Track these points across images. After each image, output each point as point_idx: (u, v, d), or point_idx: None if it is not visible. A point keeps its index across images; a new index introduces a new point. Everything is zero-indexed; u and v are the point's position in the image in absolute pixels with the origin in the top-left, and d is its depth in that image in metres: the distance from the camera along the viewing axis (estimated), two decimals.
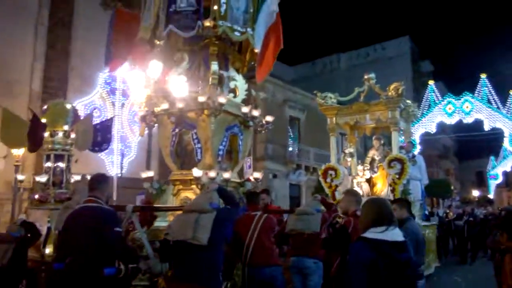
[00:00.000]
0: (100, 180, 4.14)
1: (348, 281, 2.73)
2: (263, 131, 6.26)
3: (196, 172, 5.23)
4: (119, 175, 13.78)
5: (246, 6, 5.75)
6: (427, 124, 21.10)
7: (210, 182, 4.77)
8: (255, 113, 5.76)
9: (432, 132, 21.47)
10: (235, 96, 5.97)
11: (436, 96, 21.53)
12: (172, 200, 5.73)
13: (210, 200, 4.09)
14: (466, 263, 12.07)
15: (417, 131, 21.00)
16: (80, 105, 15.77)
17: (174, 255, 3.99)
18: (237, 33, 5.64)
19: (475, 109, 19.88)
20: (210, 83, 5.60)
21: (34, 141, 7.16)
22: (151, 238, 5.18)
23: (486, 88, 20.37)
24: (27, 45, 15.47)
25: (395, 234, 2.77)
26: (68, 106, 7.73)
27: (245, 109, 5.67)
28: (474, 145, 34.54)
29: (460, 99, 20.35)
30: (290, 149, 22.81)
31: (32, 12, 15.71)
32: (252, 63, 6.35)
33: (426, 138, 24.58)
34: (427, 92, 22.01)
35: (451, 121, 20.81)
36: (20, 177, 7.64)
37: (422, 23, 77.13)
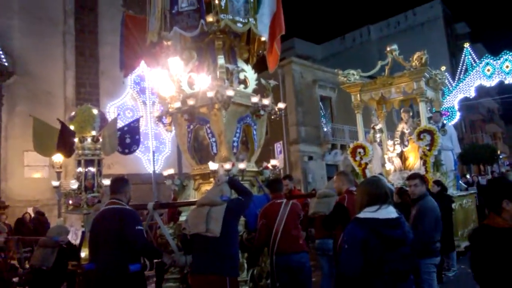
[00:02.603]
0: (120, 183, 4.34)
1: (342, 262, 2.79)
2: (277, 118, 6.29)
3: (212, 165, 5.36)
4: (156, 171, 14.22)
5: None
6: (465, 89, 20.24)
7: (225, 175, 4.87)
8: (266, 101, 5.80)
9: (471, 97, 20.56)
10: (246, 87, 6.03)
11: (473, 59, 20.58)
12: (194, 195, 5.89)
13: (221, 193, 4.21)
14: None
15: (456, 97, 20.24)
16: (113, 107, 16.40)
17: (193, 248, 4.14)
18: (239, 25, 5.65)
19: None
20: (218, 76, 5.68)
21: (65, 148, 7.49)
22: (178, 233, 5.39)
23: None
24: (58, 55, 16.12)
25: (388, 212, 2.81)
26: (95, 111, 7.96)
27: (254, 99, 5.72)
28: None
29: (499, 59, 19.33)
30: (324, 129, 22.55)
31: (59, 22, 16.32)
32: (260, 52, 6.38)
33: (467, 103, 23.63)
34: (463, 55, 21.06)
35: (491, 83, 19.79)
36: (54, 183, 8.08)
37: None
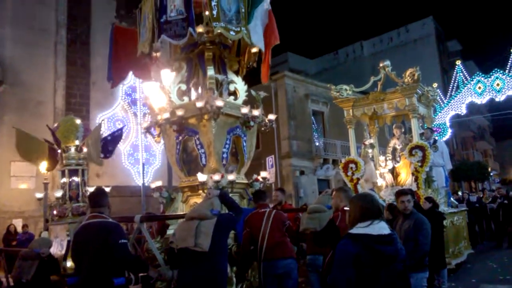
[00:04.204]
0: (101, 196, 4.17)
1: (333, 278, 2.68)
2: (267, 130, 6.20)
3: (201, 177, 5.25)
4: (146, 184, 14.03)
5: (237, 7, 5.71)
6: (457, 105, 20.35)
7: (215, 187, 4.76)
8: (256, 113, 5.72)
9: (462, 114, 20.68)
10: (235, 99, 5.96)
11: (465, 76, 20.74)
12: (182, 207, 5.77)
13: (211, 207, 4.10)
14: (502, 248, 11.54)
15: (447, 114, 20.35)
16: (103, 118, 16.24)
17: (180, 263, 4.01)
18: (232, 33, 5.59)
19: (506, 85, 19.01)
20: (207, 87, 5.60)
21: (51, 159, 7.34)
22: (165, 246, 5.25)
23: None
24: (49, 65, 16.00)
25: (381, 228, 2.75)
26: (78, 121, 7.88)
27: (244, 110, 5.64)
28: None
29: (490, 77, 19.51)
30: (316, 143, 22.52)
31: (51, 33, 16.24)
32: (251, 63, 6.32)
33: (458, 120, 23.77)
34: (455, 72, 21.24)
35: (482, 100, 19.95)
36: (38, 195, 7.88)
37: (445, 1, 74.62)
